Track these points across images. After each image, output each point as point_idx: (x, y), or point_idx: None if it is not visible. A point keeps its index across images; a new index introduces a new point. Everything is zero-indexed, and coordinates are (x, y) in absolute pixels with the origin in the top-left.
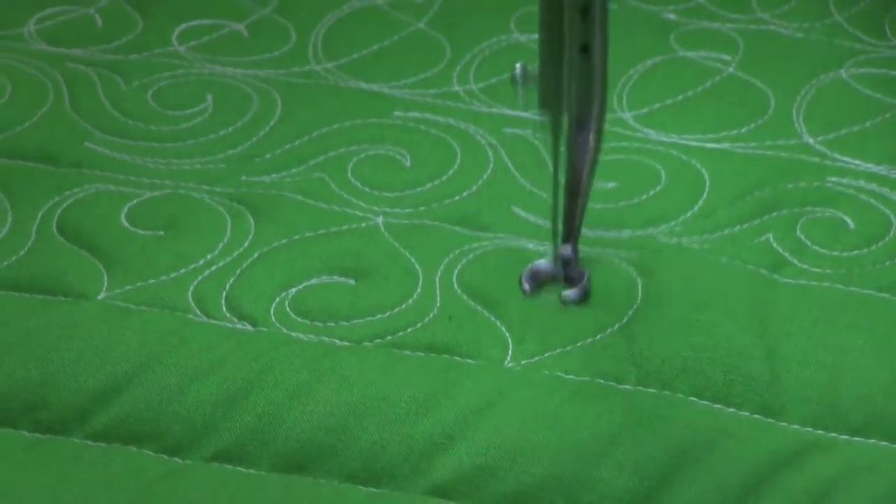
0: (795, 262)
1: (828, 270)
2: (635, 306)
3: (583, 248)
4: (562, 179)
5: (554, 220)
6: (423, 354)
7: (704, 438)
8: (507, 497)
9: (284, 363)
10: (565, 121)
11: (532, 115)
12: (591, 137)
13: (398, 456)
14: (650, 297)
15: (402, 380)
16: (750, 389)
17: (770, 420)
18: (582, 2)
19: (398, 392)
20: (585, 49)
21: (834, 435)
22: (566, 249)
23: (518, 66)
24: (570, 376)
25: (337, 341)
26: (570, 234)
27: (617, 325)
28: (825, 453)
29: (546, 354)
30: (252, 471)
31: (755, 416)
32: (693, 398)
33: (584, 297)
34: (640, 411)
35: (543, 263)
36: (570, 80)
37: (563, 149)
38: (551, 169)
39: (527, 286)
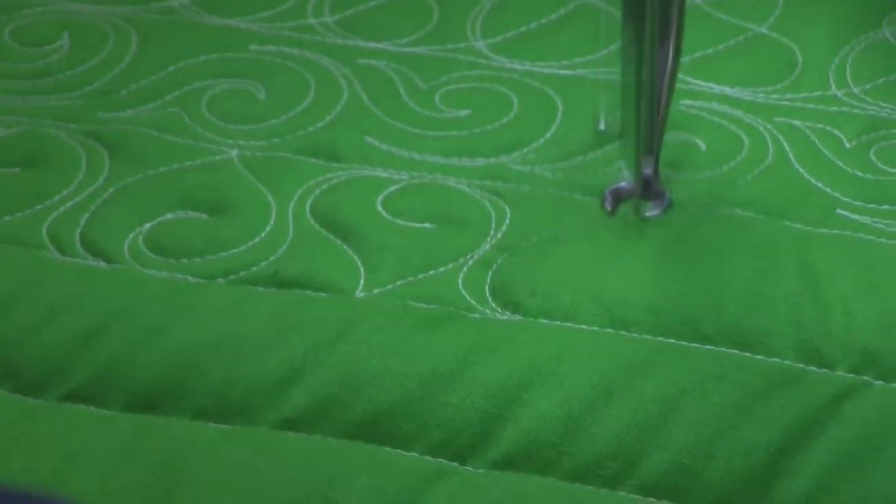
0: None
1: (682, 194)
2: (489, 237)
3: (437, 177)
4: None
5: (638, 136)
6: (275, 290)
7: (551, 353)
8: (355, 425)
9: (138, 302)
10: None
11: None
12: (672, 47)
13: (248, 391)
14: (509, 228)
15: (252, 316)
16: (596, 306)
17: (614, 331)
18: None
19: (248, 329)
20: None
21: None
22: (649, 164)
23: None
24: (421, 304)
25: (190, 278)
26: (653, 147)
27: (470, 256)
28: (666, 357)
29: (398, 283)
30: (105, 410)
31: (594, 328)
32: (542, 320)
33: (668, 209)
34: (489, 336)
35: (624, 182)
36: None
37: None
38: (635, 82)
39: (608, 205)
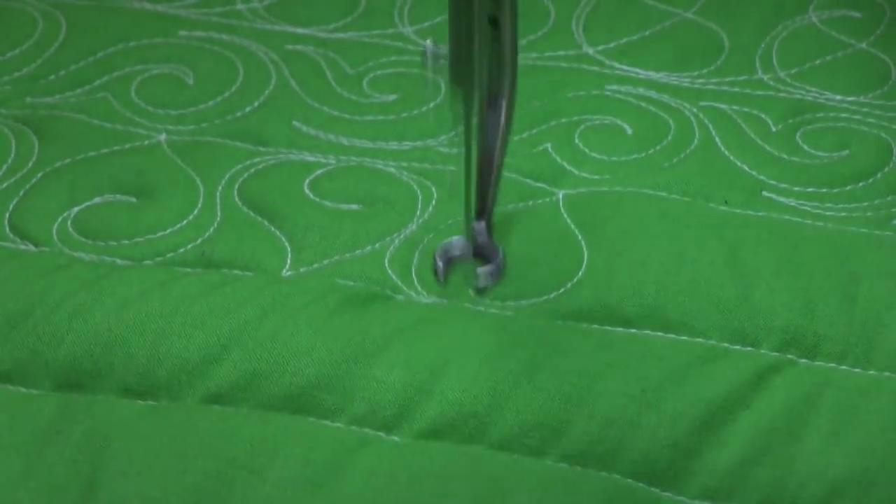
0: (574, 171)
1: (606, 176)
2: (416, 217)
3: (364, 160)
4: (473, 156)
5: (467, 197)
6: (202, 270)
7: (477, 332)
8: (280, 399)
9: (64, 284)
10: (476, 96)
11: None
12: (504, 111)
13: (174, 368)
14: (436, 208)
15: (178, 296)
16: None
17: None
18: None
19: (174, 307)
20: (495, 22)
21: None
22: (480, 226)
23: (428, 42)
24: (348, 282)
25: (118, 261)
26: (484, 210)
27: (396, 234)
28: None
29: (325, 262)
30: (33, 390)
31: (506, 302)
32: (467, 305)
33: (500, 275)
34: (413, 315)
35: (455, 241)
36: (481, 55)
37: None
38: (465, 146)
39: (440, 265)
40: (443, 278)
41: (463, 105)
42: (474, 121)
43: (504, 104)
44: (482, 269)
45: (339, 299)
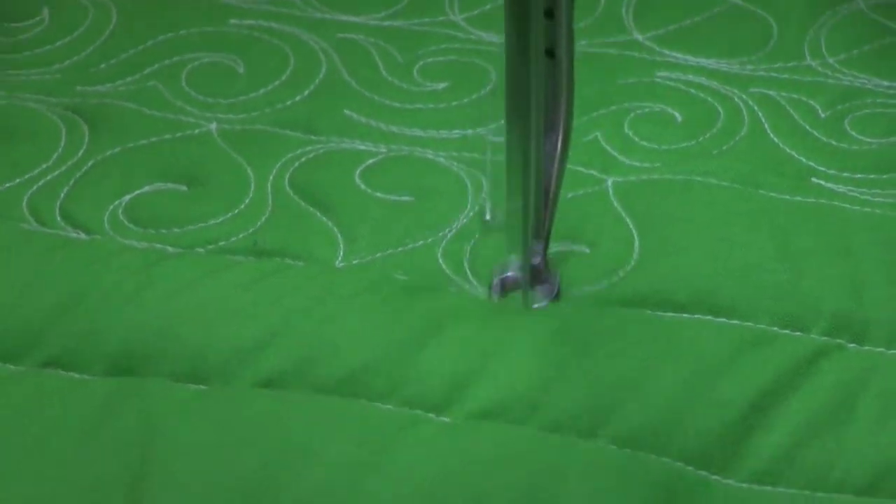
0: (624, 159)
1: (657, 164)
2: (467, 209)
3: (415, 149)
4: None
5: (525, 225)
6: (254, 259)
7: (526, 321)
8: (330, 382)
9: (115, 271)
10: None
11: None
12: (560, 140)
13: (225, 354)
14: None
15: (230, 283)
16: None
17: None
18: (547, 4)
19: (226, 295)
20: (551, 53)
21: None
22: (538, 249)
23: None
24: (399, 275)
25: (169, 248)
26: (542, 231)
27: (448, 229)
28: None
29: (377, 254)
30: (85, 375)
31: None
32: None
33: (556, 295)
34: (465, 305)
35: (512, 261)
36: (538, 85)
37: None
38: (523, 173)
39: (496, 284)
40: (498, 297)
41: (521, 134)
42: (532, 147)
43: (560, 133)
44: (540, 289)
45: (392, 290)
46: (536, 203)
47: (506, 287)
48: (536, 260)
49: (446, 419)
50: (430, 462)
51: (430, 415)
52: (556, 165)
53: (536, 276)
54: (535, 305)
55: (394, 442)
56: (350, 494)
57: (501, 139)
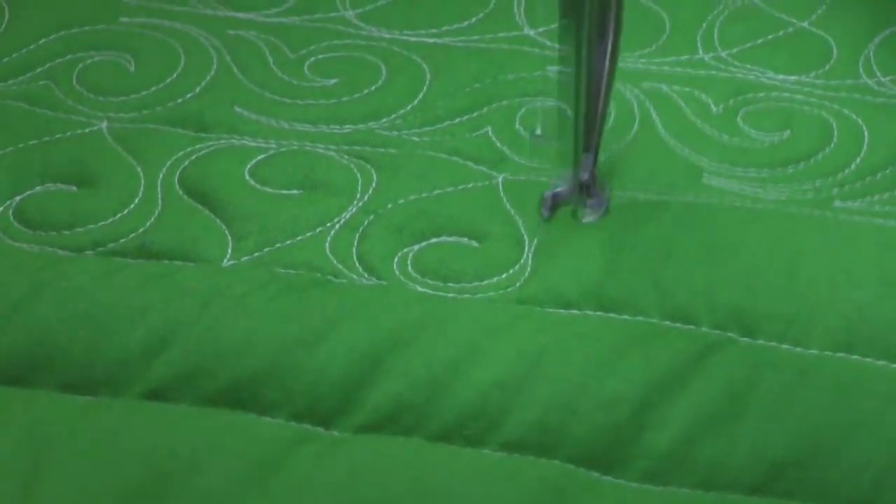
0: (515, 157)
1: (546, 165)
2: (357, 200)
3: (305, 144)
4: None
5: (576, 138)
6: (143, 261)
7: (415, 318)
8: (219, 394)
9: (4, 276)
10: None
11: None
12: (610, 44)
13: (113, 363)
14: (375, 191)
15: (118, 288)
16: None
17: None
18: None
19: (114, 301)
20: None
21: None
22: (588, 160)
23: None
24: (288, 270)
25: (59, 251)
26: (591, 144)
27: (337, 220)
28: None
29: (265, 250)
30: None
31: (461, 295)
32: (412, 284)
33: (606, 209)
34: (353, 301)
35: (561, 186)
36: None
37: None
38: (574, 77)
39: (546, 211)
40: (548, 212)
41: (573, 39)
42: (584, 56)
43: (611, 37)
44: (590, 203)
45: (278, 288)
46: (588, 115)
47: (556, 202)
48: (585, 175)
49: (335, 433)
50: (317, 479)
51: (319, 429)
52: (605, 78)
53: (586, 190)
54: (585, 220)
55: (281, 459)
56: None
57: (390, 133)
